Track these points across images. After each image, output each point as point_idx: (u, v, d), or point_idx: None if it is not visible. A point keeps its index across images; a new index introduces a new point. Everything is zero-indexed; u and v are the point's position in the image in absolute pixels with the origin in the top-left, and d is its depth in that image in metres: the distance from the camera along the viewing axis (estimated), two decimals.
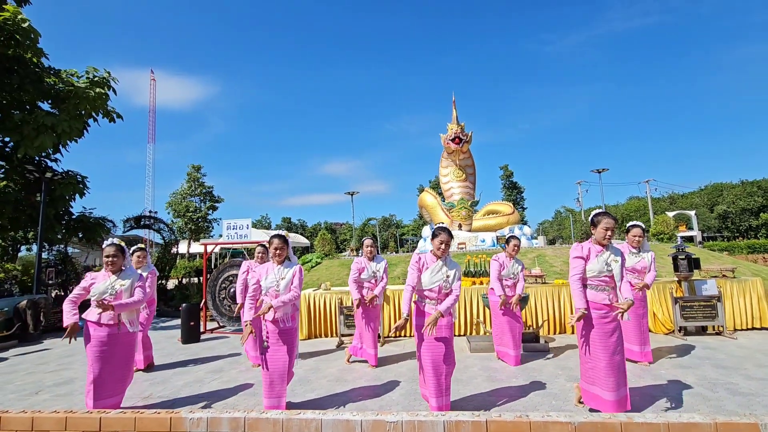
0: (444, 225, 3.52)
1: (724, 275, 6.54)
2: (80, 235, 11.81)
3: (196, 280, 16.32)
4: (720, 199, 45.44)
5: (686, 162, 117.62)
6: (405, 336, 6.59)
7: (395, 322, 6.60)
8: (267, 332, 3.47)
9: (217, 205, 37.32)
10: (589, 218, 3.44)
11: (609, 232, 3.25)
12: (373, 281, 4.95)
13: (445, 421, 2.52)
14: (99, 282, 3.62)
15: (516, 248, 4.97)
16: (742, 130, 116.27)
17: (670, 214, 23.74)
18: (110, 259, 3.64)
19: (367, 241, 5.12)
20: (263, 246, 5.41)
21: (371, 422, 2.56)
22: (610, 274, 3.18)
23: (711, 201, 46.13)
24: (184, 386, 4.52)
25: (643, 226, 4.82)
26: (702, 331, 6.00)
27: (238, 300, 5.56)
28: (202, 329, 7.40)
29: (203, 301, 7.69)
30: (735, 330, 5.99)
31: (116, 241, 3.74)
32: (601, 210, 3.44)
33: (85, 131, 10.77)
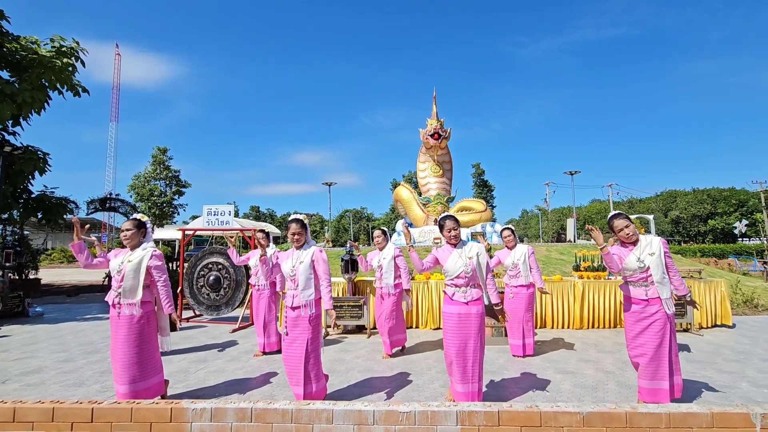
0: (448, 213, 3.50)
1: (691, 276, 6.95)
2: (39, 216, 11.04)
3: None
4: (673, 205, 48.29)
5: (646, 168, 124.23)
6: None
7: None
8: (287, 319, 3.36)
9: (183, 190, 35.95)
10: (608, 225, 3.52)
11: (627, 230, 3.33)
12: (379, 271, 4.95)
13: (458, 411, 2.53)
14: (118, 257, 3.37)
15: (508, 239, 5.04)
16: (697, 140, 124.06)
17: (632, 217, 24.99)
18: (124, 233, 3.38)
19: (377, 233, 5.11)
20: (263, 231, 5.27)
21: (384, 412, 2.54)
22: (645, 269, 3.26)
23: (665, 206, 48.95)
24: (168, 376, 4.28)
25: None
26: None
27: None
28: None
29: (179, 288, 7.38)
30: (700, 327, 6.39)
31: (139, 216, 3.49)
32: (612, 213, 3.52)
33: (46, 104, 10.03)
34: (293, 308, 3.35)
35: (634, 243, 3.37)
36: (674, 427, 2.44)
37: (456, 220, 3.41)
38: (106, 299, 3.40)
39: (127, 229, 3.40)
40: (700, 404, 2.69)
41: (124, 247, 3.51)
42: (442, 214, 3.51)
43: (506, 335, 5.27)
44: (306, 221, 3.49)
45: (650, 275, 3.26)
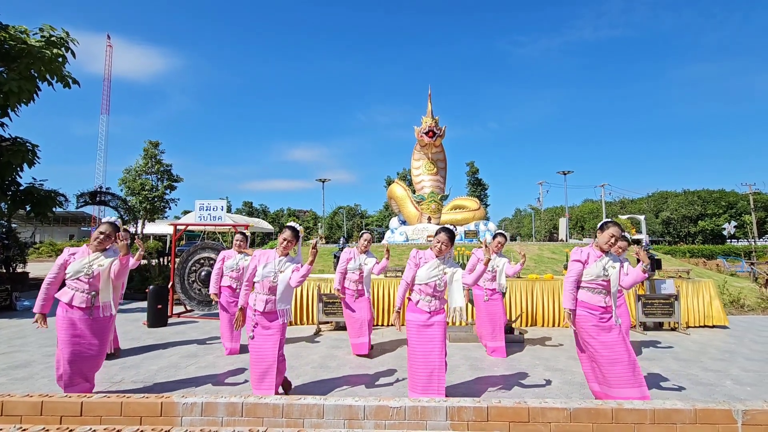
0: (447, 226, 3.50)
1: (680, 276, 7.05)
2: (27, 209, 10.88)
3: (154, 261, 15.55)
4: (665, 206, 48.81)
5: (637, 169, 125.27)
6: (383, 325, 6.61)
7: (384, 313, 6.62)
8: (255, 322, 3.35)
9: (175, 184, 35.56)
10: (598, 225, 3.55)
11: (613, 239, 3.35)
12: (357, 273, 4.92)
13: (447, 407, 2.55)
14: (77, 258, 3.33)
15: (500, 245, 5.12)
16: (689, 142, 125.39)
17: (622, 217, 25.21)
18: (102, 236, 3.34)
19: (366, 236, 5.12)
20: (242, 234, 5.25)
21: (374, 407, 2.55)
22: (607, 279, 3.28)
23: (657, 207, 49.46)
24: (159, 371, 4.31)
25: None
26: (659, 326, 6.45)
27: (211, 289, 5.23)
28: (168, 313, 7.06)
29: (171, 283, 7.33)
30: (687, 326, 6.49)
31: (117, 221, 3.47)
32: (611, 220, 3.56)
33: (35, 95, 9.87)
34: (264, 313, 3.35)
35: (606, 252, 3.40)
36: (659, 422, 2.49)
37: (450, 237, 3.38)
38: (65, 300, 3.28)
39: (107, 234, 3.40)
40: (684, 401, 2.74)
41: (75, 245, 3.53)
42: (441, 226, 3.51)
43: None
44: (301, 234, 3.49)
45: (608, 285, 3.33)
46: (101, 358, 3.48)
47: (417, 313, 3.33)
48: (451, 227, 3.46)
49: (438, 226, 3.64)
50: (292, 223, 3.47)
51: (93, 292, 3.30)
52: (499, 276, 5.04)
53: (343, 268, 4.92)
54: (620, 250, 4.25)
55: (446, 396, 3.37)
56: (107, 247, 3.43)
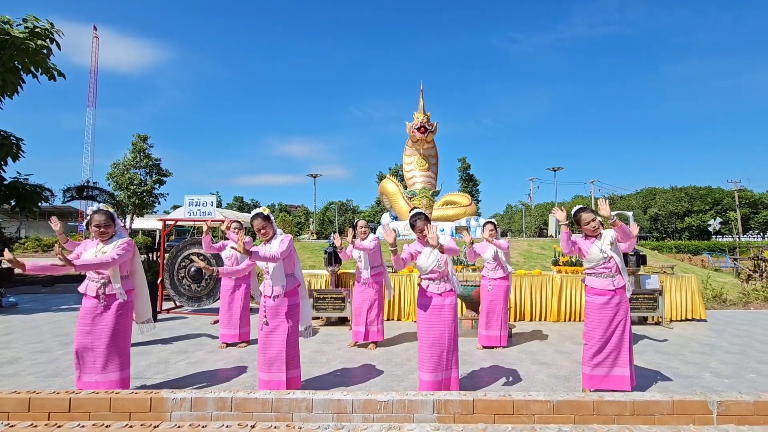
0: (419, 210, 3.53)
1: (664, 271, 7.20)
2: (12, 203, 10.72)
3: (143, 257, 15.41)
4: (653, 202, 49.55)
5: (627, 165, 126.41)
6: None
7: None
8: (265, 308, 3.38)
9: (164, 179, 35.14)
10: (574, 218, 3.60)
11: (591, 223, 3.44)
12: (360, 261, 4.98)
13: (434, 400, 2.60)
14: (89, 248, 3.33)
15: (491, 233, 5.14)
16: (677, 139, 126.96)
17: (612, 213, 25.53)
18: (101, 229, 3.29)
19: (361, 222, 5.16)
20: (239, 222, 5.27)
21: (362, 401, 2.60)
22: (609, 258, 3.38)
23: (645, 203, 50.19)
24: (148, 367, 4.31)
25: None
26: (643, 321, 6.59)
27: (232, 268, 5.19)
28: (157, 308, 7.03)
29: (160, 279, 7.29)
30: (671, 321, 6.64)
31: (103, 206, 3.42)
32: (578, 207, 3.63)
33: (19, 87, 9.69)
34: (271, 298, 3.39)
35: (597, 236, 3.47)
36: (638, 414, 2.57)
37: (426, 219, 3.45)
38: (82, 290, 3.32)
39: (105, 224, 3.30)
40: (663, 393, 2.83)
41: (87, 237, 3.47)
42: (413, 212, 3.53)
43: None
44: (268, 212, 3.48)
45: (614, 265, 3.41)
46: (123, 347, 3.42)
47: (429, 298, 3.38)
48: (420, 210, 3.50)
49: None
50: (257, 210, 3.45)
51: (103, 281, 3.28)
52: (503, 262, 5.07)
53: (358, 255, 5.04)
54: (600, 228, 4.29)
55: (458, 379, 3.42)
56: (112, 237, 3.38)
